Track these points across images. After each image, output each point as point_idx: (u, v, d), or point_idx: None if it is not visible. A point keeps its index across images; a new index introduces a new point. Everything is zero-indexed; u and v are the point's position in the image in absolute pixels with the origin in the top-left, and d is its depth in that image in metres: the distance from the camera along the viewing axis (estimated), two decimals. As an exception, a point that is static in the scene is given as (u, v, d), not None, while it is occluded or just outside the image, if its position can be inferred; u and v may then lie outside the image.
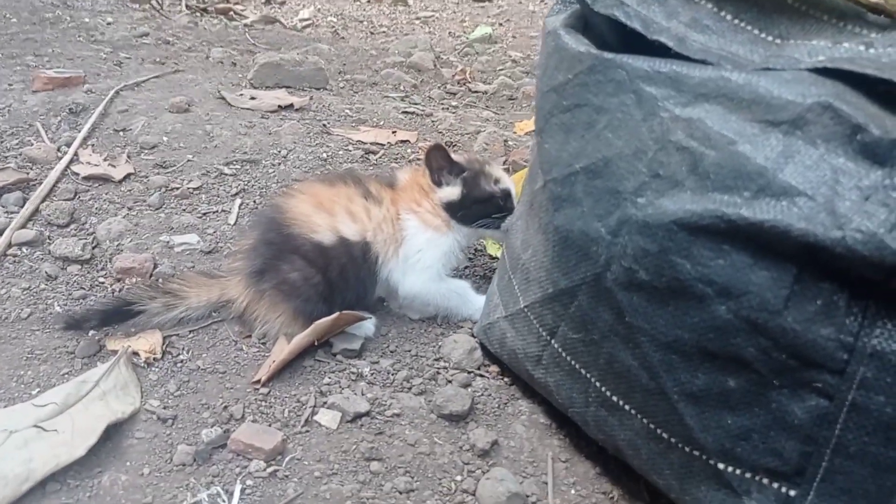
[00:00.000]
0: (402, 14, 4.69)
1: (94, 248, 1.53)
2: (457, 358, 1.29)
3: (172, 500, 0.98)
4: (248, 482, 1.01)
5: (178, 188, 1.79)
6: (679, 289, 0.82)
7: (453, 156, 1.42)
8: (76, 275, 1.46)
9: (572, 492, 1.06)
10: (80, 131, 2.00)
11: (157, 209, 1.71)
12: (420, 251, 1.35)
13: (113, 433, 1.07)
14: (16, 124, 2.05)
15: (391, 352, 1.31)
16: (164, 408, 1.14)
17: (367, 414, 1.15)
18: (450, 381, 1.24)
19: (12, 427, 1.02)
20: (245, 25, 3.89)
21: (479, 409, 1.19)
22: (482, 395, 1.23)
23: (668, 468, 0.92)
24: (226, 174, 1.87)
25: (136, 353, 1.23)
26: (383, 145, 2.16)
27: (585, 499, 1.05)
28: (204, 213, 1.71)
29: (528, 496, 1.03)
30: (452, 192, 1.39)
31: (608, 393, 0.97)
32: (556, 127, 1.01)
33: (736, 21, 0.86)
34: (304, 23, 4.31)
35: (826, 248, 0.71)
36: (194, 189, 1.79)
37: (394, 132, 2.25)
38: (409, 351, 1.32)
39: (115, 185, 1.78)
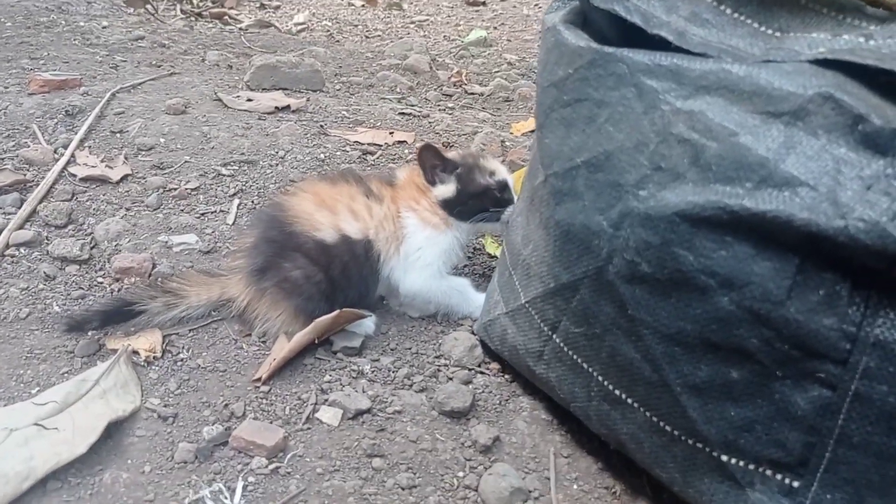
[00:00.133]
0: (396, 18, 4.70)
1: (92, 248, 1.53)
2: (457, 355, 1.29)
3: (174, 497, 0.98)
4: (250, 479, 1.01)
5: (175, 189, 1.78)
6: (681, 281, 0.83)
7: (446, 153, 1.42)
8: (74, 275, 1.45)
9: (575, 487, 1.06)
10: (76, 133, 2.00)
11: (155, 210, 1.70)
12: (420, 249, 1.36)
13: (114, 431, 1.07)
14: (12, 126, 2.04)
15: (391, 349, 1.31)
16: (165, 406, 1.13)
17: (368, 411, 1.15)
18: (451, 379, 1.24)
19: (13, 425, 1.01)
20: (240, 29, 3.89)
21: (480, 406, 1.19)
22: (483, 391, 1.23)
23: (671, 461, 0.92)
24: (223, 175, 1.87)
25: (136, 352, 1.23)
26: (380, 146, 2.15)
27: (588, 494, 1.05)
28: (202, 214, 1.71)
29: (530, 491, 1.03)
30: (447, 189, 1.39)
31: (611, 387, 0.97)
32: (557, 122, 1.01)
33: (735, 15, 0.87)
34: (299, 27, 4.31)
35: (828, 237, 0.71)
36: (192, 190, 1.79)
37: (391, 133, 2.25)
38: (410, 348, 1.32)
39: (112, 186, 1.78)
